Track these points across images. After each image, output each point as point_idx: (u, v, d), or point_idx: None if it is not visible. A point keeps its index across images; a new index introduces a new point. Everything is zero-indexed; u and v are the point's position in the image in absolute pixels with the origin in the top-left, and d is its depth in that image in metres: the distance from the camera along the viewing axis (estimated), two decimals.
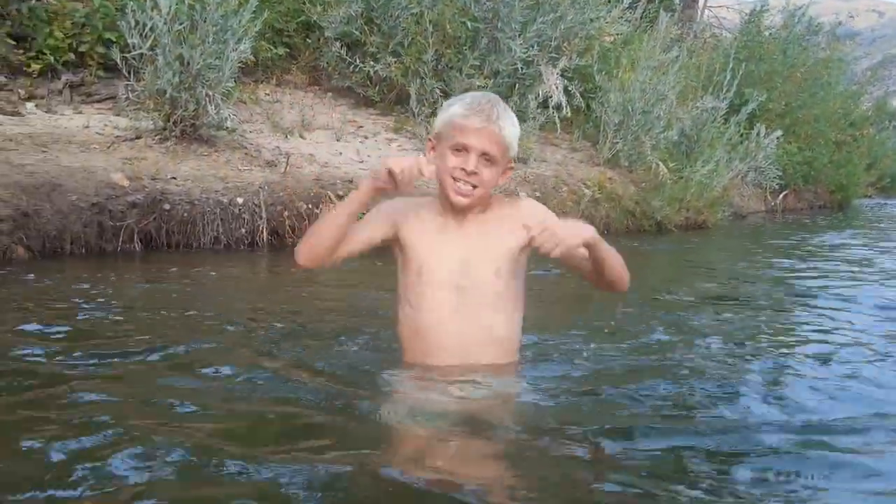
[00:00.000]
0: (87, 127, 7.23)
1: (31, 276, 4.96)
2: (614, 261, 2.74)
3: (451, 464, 2.10)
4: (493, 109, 2.67)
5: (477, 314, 2.74)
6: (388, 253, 2.89)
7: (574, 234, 2.54)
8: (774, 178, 16.10)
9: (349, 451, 2.13)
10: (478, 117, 2.65)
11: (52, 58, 7.66)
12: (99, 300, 4.31)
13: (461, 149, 2.68)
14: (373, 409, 2.47)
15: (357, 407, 2.49)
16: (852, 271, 6.96)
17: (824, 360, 3.37)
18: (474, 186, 2.69)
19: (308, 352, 3.23)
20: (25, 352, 3.01)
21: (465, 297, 2.73)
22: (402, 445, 2.29)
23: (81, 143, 6.87)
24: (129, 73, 7.20)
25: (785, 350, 3.64)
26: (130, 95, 7.53)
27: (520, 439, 2.25)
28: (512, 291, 2.81)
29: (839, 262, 7.67)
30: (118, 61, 7.07)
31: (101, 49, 7.78)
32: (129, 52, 7.04)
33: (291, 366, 2.96)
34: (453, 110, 2.71)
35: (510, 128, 2.70)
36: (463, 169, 2.67)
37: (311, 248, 2.79)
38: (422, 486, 1.90)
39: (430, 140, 2.84)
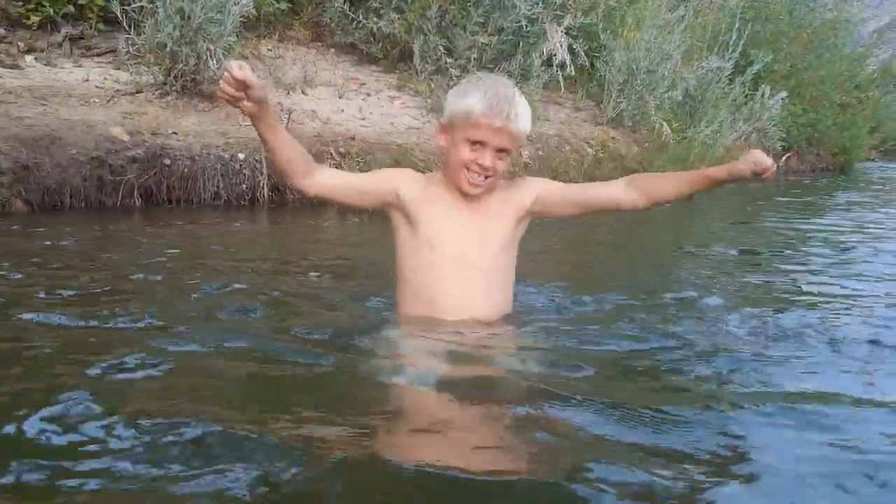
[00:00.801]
0: (86, 80, 7.16)
1: (32, 229, 4.94)
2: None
3: (456, 429, 2.08)
4: (511, 106, 2.64)
5: (486, 289, 2.81)
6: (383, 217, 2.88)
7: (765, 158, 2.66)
8: (778, 139, 16.03)
9: (348, 415, 2.10)
10: (498, 116, 2.63)
11: (51, 10, 7.56)
12: (94, 254, 4.29)
13: (477, 143, 2.68)
14: (373, 372, 2.44)
15: (357, 369, 2.47)
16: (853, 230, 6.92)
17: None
18: (487, 177, 2.72)
19: (302, 312, 3.19)
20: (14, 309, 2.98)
21: (474, 272, 2.78)
22: (403, 410, 2.26)
23: (81, 96, 6.81)
24: (129, 26, 7.13)
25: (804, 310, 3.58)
26: (130, 49, 7.45)
27: (526, 406, 2.22)
28: (512, 263, 2.91)
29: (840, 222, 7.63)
30: (118, 14, 7.00)
31: (100, 1, 7.68)
32: (129, 4, 6.96)
33: (281, 328, 2.91)
34: (471, 104, 2.66)
35: (526, 121, 2.70)
36: (479, 164, 2.69)
37: (282, 173, 2.81)
38: (426, 454, 1.88)
39: (441, 124, 2.80)
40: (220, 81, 2.47)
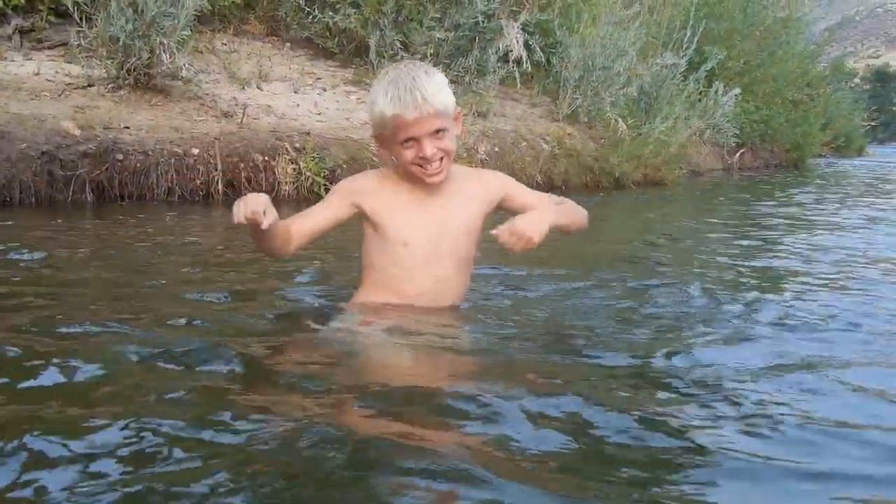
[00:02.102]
0: (37, 74, 7.06)
1: None
2: (573, 221, 2.88)
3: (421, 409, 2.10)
4: (415, 90, 2.57)
5: (453, 277, 2.86)
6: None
7: (537, 231, 2.57)
8: (732, 136, 16.24)
9: (321, 398, 2.11)
10: (408, 109, 2.57)
11: (1, 1, 7.44)
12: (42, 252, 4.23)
13: (408, 140, 2.64)
14: (338, 354, 2.47)
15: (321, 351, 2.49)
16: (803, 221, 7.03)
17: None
18: (440, 160, 2.69)
19: (265, 301, 3.20)
20: None
21: (444, 262, 2.82)
22: (371, 388, 2.27)
23: (31, 90, 6.72)
24: (81, 18, 7.04)
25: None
26: (82, 42, 7.36)
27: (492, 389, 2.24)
28: (473, 252, 2.94)
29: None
30: (69, 6, 6.91)
31: None
32: None
33: (240, 320, 2.92)
34: (379, 109, 2.64)
35: (441, 94, 2.64)
36: (421, 157, 2.65)
37: (270, 255, 2.87)
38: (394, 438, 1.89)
39: (374, 138, 2.82)
40: (241, 213, 2.36)
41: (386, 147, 2.76)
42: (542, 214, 2.66)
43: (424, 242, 2.77)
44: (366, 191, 2.82)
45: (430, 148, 2.63)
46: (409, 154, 2.66)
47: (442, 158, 2.69)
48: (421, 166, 2.68)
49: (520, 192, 2.96)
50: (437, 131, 2.64)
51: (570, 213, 2.88)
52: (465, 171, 2.99)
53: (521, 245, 2.54)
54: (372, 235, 2.83)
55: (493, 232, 2.56)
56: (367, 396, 2.13)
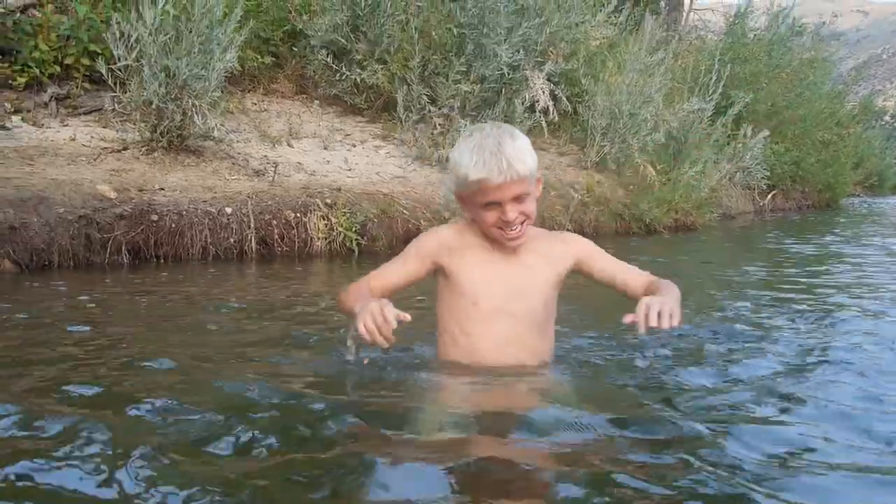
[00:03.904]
0: (73, 139, 7.21)
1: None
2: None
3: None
4: (502, 156, 2.58)
5: (527, 339, 2.83)
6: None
7: (677, 307, 2.48)
8: (762, 178, 16.17)
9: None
10: (494, 174, 2.59)
11: (37, 70, 7.64)
12: (85, 314, 4.30)
13: (490, 203, 2.67)
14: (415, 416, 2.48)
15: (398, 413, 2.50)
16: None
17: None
18: (522, 223, 2.71)
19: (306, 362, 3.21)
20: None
21: (517, 324, 2.80)
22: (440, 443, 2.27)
23: (68, 155, 6.85)
24: (114, 84, 7.19)
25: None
26: (116, 107, 7.53)
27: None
28: (552, 313, 2.93)
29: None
30: (104, 73, 7.06)
31: (86, 61, 7.76)
32: (115, 63, 7.03)
33: (293, 374, 2.94)
34: (465, 172, 2.65)
35: (526, 160, 2.64)
36: (504, 220, 2.67)
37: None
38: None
39: (456, 194, 2.84)
40: (365, 328, 2.32)
41: (467, 207, 2.79)
42: (672, 290, 2.62)
43: (497, 302, 2.77)
44: (445, 248, 2.83)
45: (512, 212, 2.65)
46: (490, 217, 2.69)
47: (523, 222, 2.71)
48: (502, 229, 2.70)
49: (599, 257, 2.94)
50: (520, 196, 2.65)
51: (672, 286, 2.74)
52: (544, 233, 2.99)
53: (667, 323, 2.39)
54: (445, 291, 2.85)
55: (627, 320, 2.43)
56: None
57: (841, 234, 11.76)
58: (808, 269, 7.11)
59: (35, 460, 1.99)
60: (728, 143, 14.79)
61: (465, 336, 2.80)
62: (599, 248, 2.97)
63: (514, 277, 2.80)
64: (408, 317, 2.32)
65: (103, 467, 1.97)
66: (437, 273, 2.85)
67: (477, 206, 2.70)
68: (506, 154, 2.59)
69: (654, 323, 2.38)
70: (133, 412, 2.39)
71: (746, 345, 3.59)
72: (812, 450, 2.19)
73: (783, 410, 2.56)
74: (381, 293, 2.72)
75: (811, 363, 3.22)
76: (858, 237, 11.25)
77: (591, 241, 3.01)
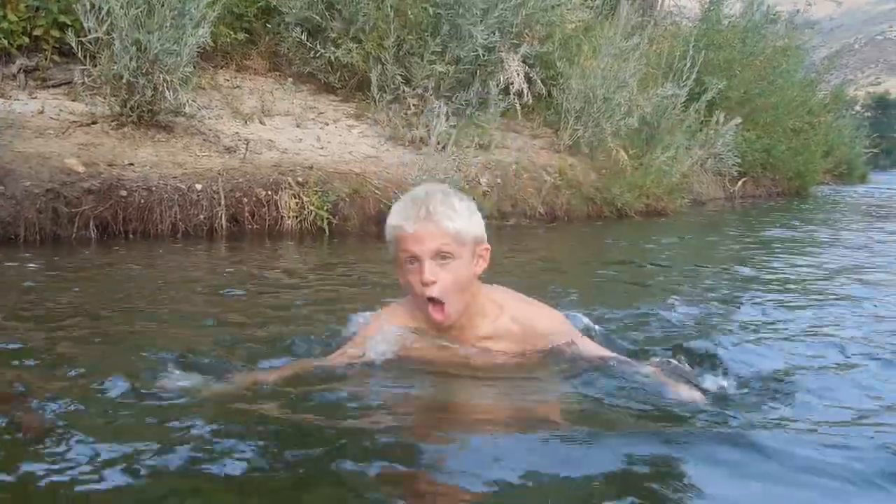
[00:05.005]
0: (41, 112, 7.12)
1: None
2: None
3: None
4: (423, 206, 2.42)
5: None
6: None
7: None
8: (733, 165, 16.25)
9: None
10: (410, 221, 2.42)
11: (5, 41, 7.51)
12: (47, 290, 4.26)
13: (410, 258, 2.46)
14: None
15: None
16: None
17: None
18: (444, 293, 2.45)
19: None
20: None
21: None
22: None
23: (36, 128, 6.77)
24: (84, 57, 7.09)
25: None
26: (86, 80, 7.42)
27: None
28: None
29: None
30: (74, 45, 6.96)
31: (56, 33, 7.64)
32: (85, 35, 6.93)
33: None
34: (389, 223, 2.50)
35: (454, 218, 2.44)
36: (421, 282, 2.44)
37: None
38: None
39: (392, 262, 2.63)
40: None
41: (399, 271, 2.56)
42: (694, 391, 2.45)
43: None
44: (378, 338, 2.62)
45: (428, 271, 2.41)
46: (412, 278, 2.47)
47: (447, 293, 2.46)
48: (422, 296, 2.47)
49: (576, 350, 2.64)
50: (442, 253, 2.43)
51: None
52: (506, 316, 2.64)
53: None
54: None
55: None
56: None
57: (810, 221, 11.87)
58: (775, 253, 7.17)
59: None
60: (700, 130, 14.84)
61: None
62: (579, 336, 2.72)
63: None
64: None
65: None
66: None
67: (400, 267, 2.52)
68: (429, 205, 2.43)
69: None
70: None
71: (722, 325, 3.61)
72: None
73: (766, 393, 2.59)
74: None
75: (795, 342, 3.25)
76: (827, 223, 11.38)
77: (573, 328, 2.75)
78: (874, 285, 5.19)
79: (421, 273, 2.42)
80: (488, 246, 2.58)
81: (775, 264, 6.42)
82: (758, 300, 4.55)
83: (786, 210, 15.09)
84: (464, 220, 2.46)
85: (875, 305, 4.39)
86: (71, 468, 1.83)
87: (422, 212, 2.41)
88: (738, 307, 4.31)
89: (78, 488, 1.75)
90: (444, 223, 2.41)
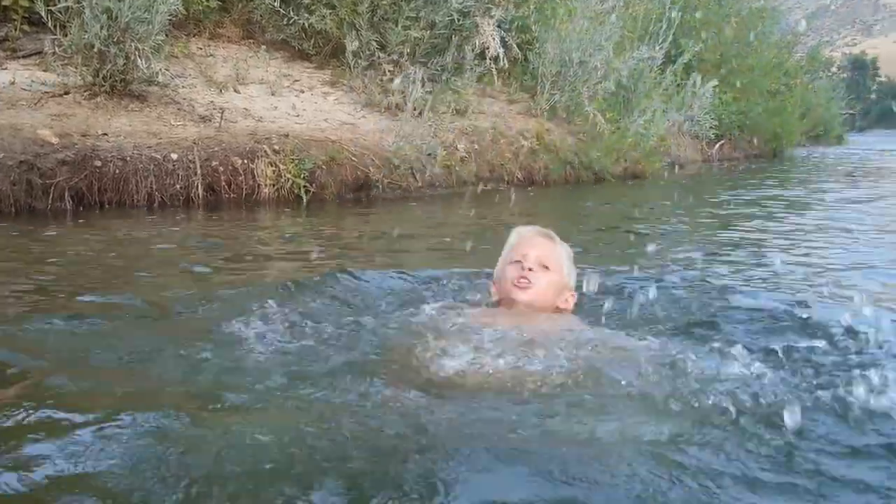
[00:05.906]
0: (12, 83, 7.03)
1: None
2: None
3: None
4: (548, 230, 2.92)
5: None
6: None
7: None
8: (710, 127, 16.31)
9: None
10: (533, 231, 2.92)
11: None
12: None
13: (518, 261, 2.82)
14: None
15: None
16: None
17: None
18: (537, 278, 2.79)
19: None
20: None
21: None
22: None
23: (7, 99, 6.69)
24: (55, 26, 7.01)
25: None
26: (57, 50, 7.33)
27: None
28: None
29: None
30: (43, 15, 6.87)
31: (25, 2, 7.51)
32: (55, 5, 6.84)
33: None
34: (515, 229, 2.97)
35: (564, 250, 2.90)
36: (522, 266, 2.80)
37: None
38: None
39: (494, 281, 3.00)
40: None
41: (501, 271, 2.92)
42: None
43: None
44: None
45: (532, 260, 2.80)
46: (513, 270, 2.82)
47: (538, 279, 2.79)
48: (517, 285, 2.79)
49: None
50: (544, 260, 2.82)
51: None
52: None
53: None
54: None
55: None
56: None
57: (787, 182, 11.93)
58: (756, 216, 7.22)
59: None
60: (677, 93, 14.87)
61: None
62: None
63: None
64: None
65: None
66: None
67: (506, 266, 2.87)
68: (550, 234, 2.93)
69: None
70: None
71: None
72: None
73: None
74: None
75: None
76: (802, 183, 11.44)
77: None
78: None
79: (524, 262, 2.80)
80: (575, 294, 2.96)
81: (754, 222, 6.46)
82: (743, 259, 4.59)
83: (761, 172, 15.13)
84: (568, 259, 2.94)
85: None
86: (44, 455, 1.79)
87: (545, 231, 2.94)
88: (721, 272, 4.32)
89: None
90: (557, 245, 2.90)
